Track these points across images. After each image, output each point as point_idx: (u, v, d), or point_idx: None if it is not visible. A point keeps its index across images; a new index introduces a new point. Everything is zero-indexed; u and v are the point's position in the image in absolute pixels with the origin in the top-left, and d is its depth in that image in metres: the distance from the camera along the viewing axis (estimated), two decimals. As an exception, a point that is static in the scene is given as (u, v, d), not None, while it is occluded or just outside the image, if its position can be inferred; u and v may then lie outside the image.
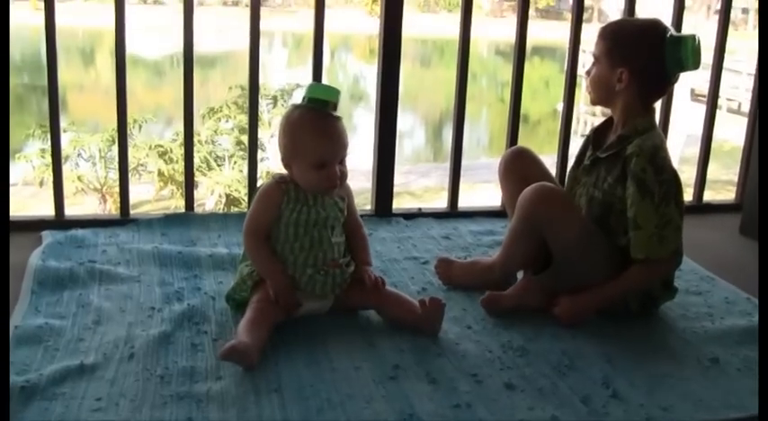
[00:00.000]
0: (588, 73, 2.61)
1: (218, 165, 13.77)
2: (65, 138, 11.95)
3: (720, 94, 3.98)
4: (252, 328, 2.20)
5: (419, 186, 16.66)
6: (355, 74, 30.02)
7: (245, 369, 2.10)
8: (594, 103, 2.64)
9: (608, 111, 2.65)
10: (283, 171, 2.42)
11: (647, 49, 2.49)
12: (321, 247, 2.38)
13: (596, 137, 2.66)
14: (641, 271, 2.47)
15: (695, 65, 2.50)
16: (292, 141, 2.35)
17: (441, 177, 15.53)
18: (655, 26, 2.53)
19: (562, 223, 2.50)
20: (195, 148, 3.81)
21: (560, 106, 3.77)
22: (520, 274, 2.71)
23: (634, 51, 2.50)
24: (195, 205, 3.55)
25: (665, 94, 2.61)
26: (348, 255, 2.47)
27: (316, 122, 2.33)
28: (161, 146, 13.67)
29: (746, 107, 5.36)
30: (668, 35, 2.47)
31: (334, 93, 2.36)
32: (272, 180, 2.42)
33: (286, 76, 19.00)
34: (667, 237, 2.44)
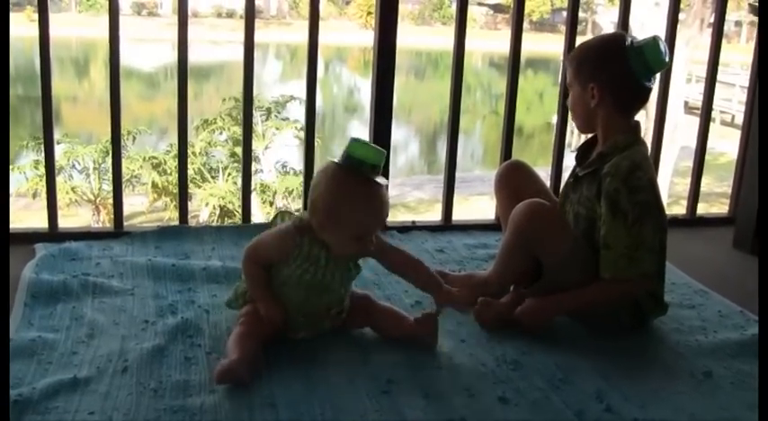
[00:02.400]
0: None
1: (212, 177, 13.79)
2: (58, 150, 11.95)
3: (714, 106, 3.99)
4: (241, 342, 2.19)
5: (413, 198, 16.70)
6: (349, 86, 30.11)
7: (239, 386, 2.09)
8: (581, 129, 2.64)
9: None
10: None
11: (610, 60, 2.48)
12: (317, 303, 2.32)
13: (581, 154, 2.66)
14: (605, 287, 2.47)
15: (663, 64, 2.50)
16: (333, 208, 2.18)
17: (434, 189, 15.57)
18: (614, 37, 2.58)
19: (552, 239, 2.50)
20: (189, 160, 3.81)
21: (555, 119, 3.77)
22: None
23: (598, 65, 2.50)
24: (189, 217, 3.55)
25: (644, 103, 2.59)
26: (347, 299, 2.39)
27: (365, 194, 2.18)
28: (155, 157, 13.71)
29: (740, 119, 5.37)
30: (628, 43, 2.47)
31: (380, 155, 2.19)
32: (293, 225, 2.27)
33: (280, 88, 19.05)
34: (639, 258, 2.43)
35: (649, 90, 2.54)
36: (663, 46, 2.48)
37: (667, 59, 2.52)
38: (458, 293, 2.40)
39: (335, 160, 2.22)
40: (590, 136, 2.68)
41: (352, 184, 2.17)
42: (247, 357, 2.14)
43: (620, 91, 2.50)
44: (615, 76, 2.48)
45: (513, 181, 2.78)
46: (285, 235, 2.27)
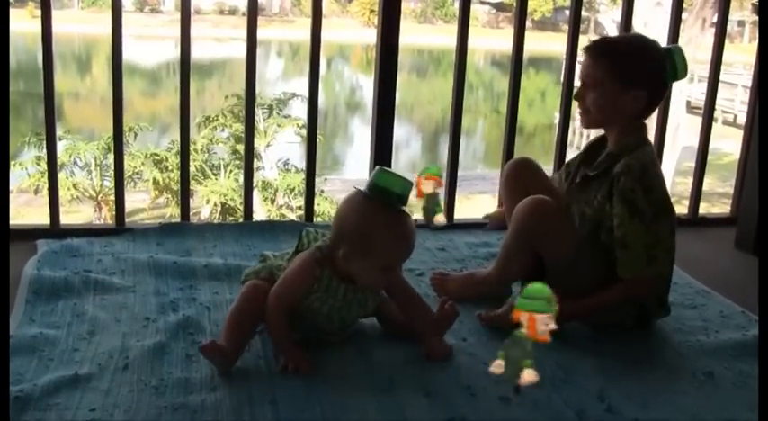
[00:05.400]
0: (581, 97, 2.54)
1: (214, 174, 13.77)
2: (60, 146, 11.94)
3: (716, 106, 3.98)
4: (234, 329, 2.19)
5: (414, 196, 16.67)
6: (351, 84, 30.11)
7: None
8: (592, 126, 2.59)
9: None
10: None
11: (657, 68, 2.46)
12: (331, 328, 2.30)
13: (588, 153, 2.64)
14: (625, 289, 2.46)
15: (686, 73, 2.50)
16: (364, 238, 2.15)
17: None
18: (651, 42, 2.53)
19: (555, 237, 2.49)
20: (191, 157, 3.81)
21: (557, 118, 3.77)
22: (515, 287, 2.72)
23: (646, 72, 2.47)
24: (190, 214, 3.54)
25: None
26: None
27: (396, 225, 2.17)
28: (156, 154, 13.69)
29: (742, 119, 5.37)
30: (662, 49, 2.48)
31: (407, 185, 2.19)
32: (313, 256, 2.24)
33: (282, 86, 19.05)
34: (657, 257, 2.43)
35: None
36: (684, 55, 2.50)
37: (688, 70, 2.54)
38: (444, 349, 2.33)
39: (361, 189, 2.21)
40: (595, 135, 2.67)
41: (382, 215, 2.16)
42: (235, 348, 2.16)
43: (657, 98, 2.52)
44: (659, 83, 2.50)
45: (521, 178, 2.73)
46: (306, 269, 2.23)
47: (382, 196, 2.16)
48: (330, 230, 2.26)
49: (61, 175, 12.29)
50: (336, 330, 2.32)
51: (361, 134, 19.35)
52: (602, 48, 2.54)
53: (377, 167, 2.21)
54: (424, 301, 2.39)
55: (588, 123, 2.58)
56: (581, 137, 15.91)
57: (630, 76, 2.46)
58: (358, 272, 2.21)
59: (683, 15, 3.99)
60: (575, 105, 2.71)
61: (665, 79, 2.49)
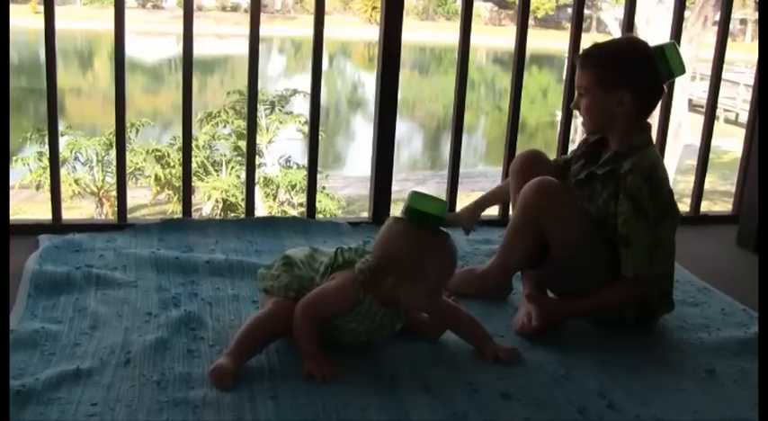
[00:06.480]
0: (577, 106, 2.55)
1: (216, 171, 13.77)
2: (62, 142, 11.94)
3: (718, 104, 3.98)
4: (246, 341, 2.17)
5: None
6: (353, 81, 30.08)
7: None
8: (593, 132, 2.59)
9: None
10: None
11: (640, 67, 2.45)
12: (350, 343, 2.29)
13: (590, 151, 2.63)
14: (627, 288, 2.46)
15: (683, 70, 2.49)
16: (414, 263, 2.15)
17: (437, 184, 15.55)
18: (639, 43, 2.53)
19: (564, 217, 2.48)
20: (192, 153, 3.80)
21: (559, 116, 3.77)
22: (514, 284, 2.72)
23: (628, 72, 2.46)
24: (192, 210, 3.55)
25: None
26: None
27: (440, 247, 2.18)
28: (158, 150, 13.67)
29: (744, 118, 5.35)
30: (651, 48, 2.47)
31: (443, 206, 2.19)
32: (357, 279, 2.20)
33: (284, 82, 19.05)
34: (657, 257, 2.43)
35: (664, 92, 2.57)
36: (679, 51, 2.49)
37: (685, 67, 2.52)
38: (508, 353, 2.32)
39: (399, 216, 2.21)
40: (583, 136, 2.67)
41: (426, 239, 2.17)
42: (238, 364, 2.12)
43: (649, 97, 2.51)
44: (647, 83, 2.48)
45: (532, 169, 2.68)
46: (350, 290, 2.21)
47: (421, 220, 2.16)
48: (371, 255, 2.24)
49: (63, 171, 12.29)
50: (356, 344, 2.30)
51: (362, 131, 19.33)
52: (586, 55, 2.54)
53: (410, 192, 2.21)
54: (467, 314, 2.39)
55: (589, 130, 2.60)
56: (583, 135, 15.95)
57: (611, 78, 2.46)
58: (406, 296, 2.20)
59: (686, 13, 3.98)
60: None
61: (656, 77, 2.47)
